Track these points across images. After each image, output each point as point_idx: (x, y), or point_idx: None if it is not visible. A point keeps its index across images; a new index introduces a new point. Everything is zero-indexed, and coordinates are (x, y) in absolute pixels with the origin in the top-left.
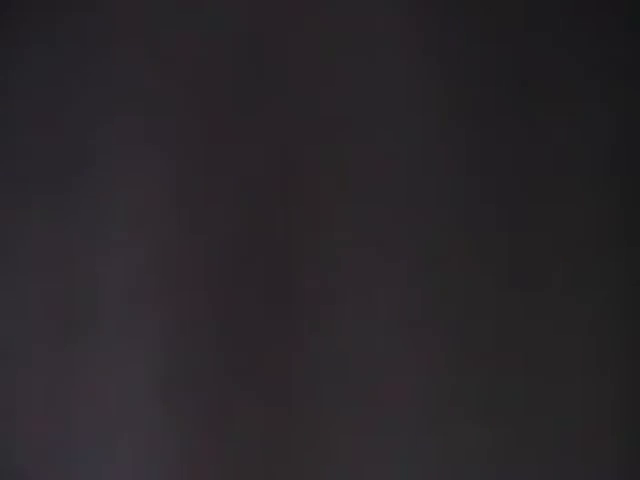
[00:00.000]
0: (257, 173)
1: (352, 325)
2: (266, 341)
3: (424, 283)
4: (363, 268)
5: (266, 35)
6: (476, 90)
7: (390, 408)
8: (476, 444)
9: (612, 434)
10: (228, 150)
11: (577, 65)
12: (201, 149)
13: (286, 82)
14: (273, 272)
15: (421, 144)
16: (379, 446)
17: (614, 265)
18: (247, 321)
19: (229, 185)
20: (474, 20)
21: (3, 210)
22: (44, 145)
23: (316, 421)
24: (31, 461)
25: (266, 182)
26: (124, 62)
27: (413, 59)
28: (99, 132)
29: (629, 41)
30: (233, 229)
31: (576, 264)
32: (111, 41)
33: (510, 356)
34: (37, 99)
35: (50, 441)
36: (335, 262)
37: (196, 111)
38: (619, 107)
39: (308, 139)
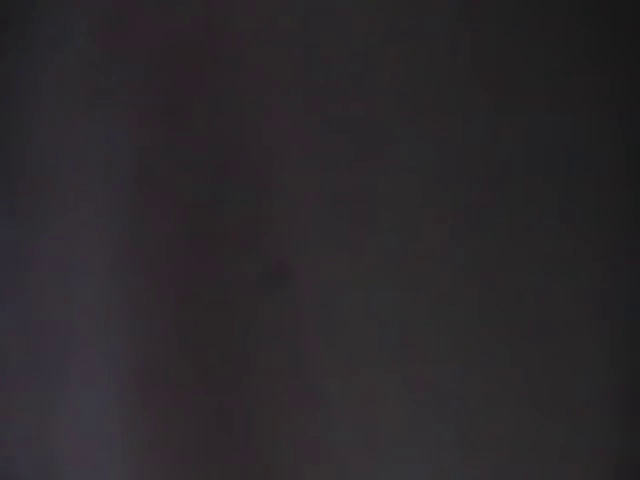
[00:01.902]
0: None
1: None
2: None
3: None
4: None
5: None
6: (472, 88)
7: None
8: (460, 386)
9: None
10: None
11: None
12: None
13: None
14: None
15: (414, 140)
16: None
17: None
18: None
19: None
20: (472, 16)
21: None
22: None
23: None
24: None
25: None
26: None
27: (405, 52)
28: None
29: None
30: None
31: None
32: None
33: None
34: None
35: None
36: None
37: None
38: (620, 105)
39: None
